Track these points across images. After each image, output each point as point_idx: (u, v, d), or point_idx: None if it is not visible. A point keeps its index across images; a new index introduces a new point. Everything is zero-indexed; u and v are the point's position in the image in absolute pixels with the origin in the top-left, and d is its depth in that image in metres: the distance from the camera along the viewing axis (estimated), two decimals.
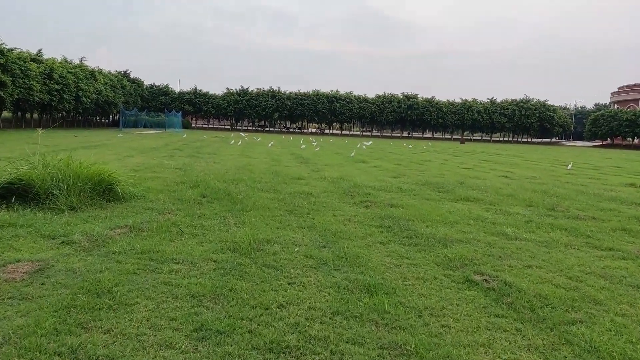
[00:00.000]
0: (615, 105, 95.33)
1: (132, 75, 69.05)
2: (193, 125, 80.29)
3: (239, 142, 30.79)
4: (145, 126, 57.24)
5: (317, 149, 28.86)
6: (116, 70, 64.47)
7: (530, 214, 8.56)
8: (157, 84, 76.92)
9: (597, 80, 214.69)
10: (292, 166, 16.37)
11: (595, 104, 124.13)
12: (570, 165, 21.30)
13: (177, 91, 77.89)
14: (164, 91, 75.99)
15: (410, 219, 7.49)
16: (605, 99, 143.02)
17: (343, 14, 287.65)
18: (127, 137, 33.13)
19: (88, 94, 45.84)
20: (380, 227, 6.87)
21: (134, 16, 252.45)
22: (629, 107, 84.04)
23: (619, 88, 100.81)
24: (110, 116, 62.63)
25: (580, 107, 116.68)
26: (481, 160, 24.47)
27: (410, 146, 41.91)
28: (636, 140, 75.30)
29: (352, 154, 24.24)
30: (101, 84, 49.95)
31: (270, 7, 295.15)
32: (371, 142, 42.56)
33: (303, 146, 32.19)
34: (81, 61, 50.01)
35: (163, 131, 51.15)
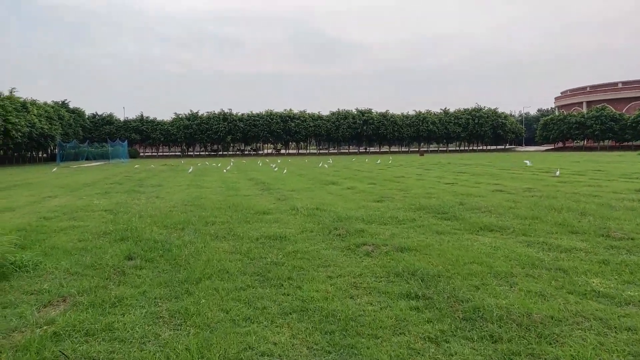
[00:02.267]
0: (560, 109, 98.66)
1: (71, 105, 64.13)
2: (141, 154, 75.74)
3: (191, 168, 27.73)
4: (87, 158, 52.65)
5: (277, 169, 26.28)
6: (53, 101, 59.56)
7: (588, 246, 6.35)
8: (99, 112, 72.11)
9: (535, 87, 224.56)
10: (252, 195, 13.70)
11: (539, 110, 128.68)
12: (558, 172, 19.82)
13: (122, 119, 73.32)
14: (108, 120, 71.22)
15: (441, 274, 5.05)
16: (546, 105, 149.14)
17: (288, 36, 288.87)
18: (61, 173, 29.29)
19: (19, 127, 41.17)
20: (408, 298, 4.38)
21: (78, 47, 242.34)
22: (573, 110, 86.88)
23: (562, 93, 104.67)
24: (49, 150, 57.47)
25: (525, 113, 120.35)
26: (456, 173, 22.66)
27: (378, 161, 40.07)
28: (584, 142, 77.47)
29: (320, 164, 21.81)
30: (34, 115, 45.26)
31: (216, 33, 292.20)
32: (331, 161, 40.47)
33: (260, 163, 29.51)
34: (11, 92, 45.29)
35: (107, 162, 46.96)
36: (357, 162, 39.33)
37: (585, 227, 7.57)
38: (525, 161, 26.25)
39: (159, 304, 4.21)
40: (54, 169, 33.98)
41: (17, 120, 40.74)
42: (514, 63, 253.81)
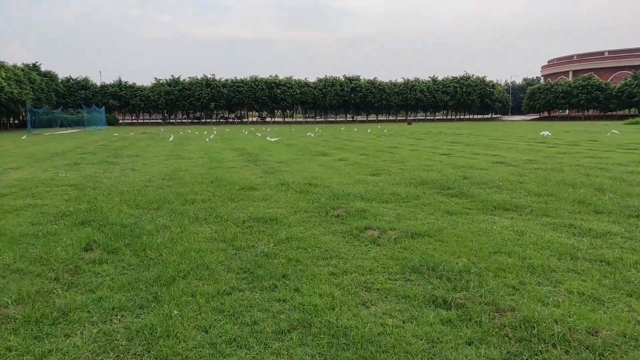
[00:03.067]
0: (546, 78, 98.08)
1: (43, 68, 61.06)
2: (121, 121, 73.24)
3: (172, 137, 26.31)
4: (62, 125, 50.42)
5: (269, 138, 25.12)
6: (23, 64, 56.50)
7: (622, 229, 5.54)
8: (74, 76, 68.95)
9: (521, 56, 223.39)
10: (237, 167, 12.66)
11: (524, 79, 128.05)
12: (546, 132, 19.10)
13: (98, 84, 70.31)
14: (83, 85, 68.12)
15: (468, 270, 4.18)
16: (532, 74, 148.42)
17: (277, 2, 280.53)
18: (31, 140, 27.64)
19: None
20: (436, 306, 3.49)
21: (50, 6, 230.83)
22: (559, 79, 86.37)
23: (548, 61, 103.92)
24: (20, 116, 54.87)
25: (511, 82, 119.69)
26: (450, 143, 21.83)
27: (369, 131, 39.01)
28: (568, 112, 77.32)
29: (308, 134, 20.78)
30: (2, 78, 42.71)
31: None
32: (319, 130, 39.33)
33: (245, 132, 28.31)
34: None
35: (82, 130, 44.97)
36: (345, 132, 38.25)
37: (609, 206, 6.77)
38: (543, 132, 25.92)
39: (117, 318, 3.24)
40: (24, 137, 32.18)
41: None
42: (500, 31, 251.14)
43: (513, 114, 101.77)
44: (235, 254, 4.75)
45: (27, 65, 57.16)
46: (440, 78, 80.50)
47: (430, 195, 7.97)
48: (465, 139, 24.45)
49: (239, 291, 3.78)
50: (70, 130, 44.03)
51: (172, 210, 6.85)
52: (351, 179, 10.19)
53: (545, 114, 79.10)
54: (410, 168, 11.94)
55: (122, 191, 8.52)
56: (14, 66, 50.39)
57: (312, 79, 78.02)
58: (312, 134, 31.12)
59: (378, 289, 3.82)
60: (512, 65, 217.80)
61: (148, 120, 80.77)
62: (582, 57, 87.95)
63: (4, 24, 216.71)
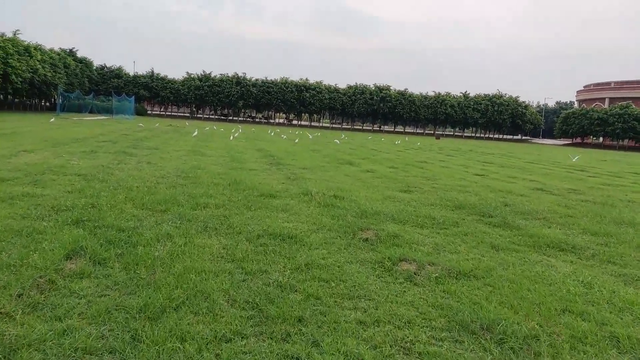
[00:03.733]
0: (581, 103, 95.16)
1: (79, 55, 61.93)
2: (149, 112, 73.81)
3: (199, 131, 25.81)
4: (91, 111, 50.79)
5: (287, 138, 24.42)
6: (60, 48, 57.36)
7: None
8: (108, 65, 69.83)
9: (553, 80, 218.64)
10: (259, 170, 11.91)
11: (557, 102, 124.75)
12: (575, 158, 17.84)
13: (131, 74, 71.01)
14: (117, 73, 68.86)
15: (536, 336, 3.26)
16: (564, 98, 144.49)
17: (311, 5, 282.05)
18: (57, 124, 27.55)
19: (19, 72, 39.18)
20: None
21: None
22: (595, 105, 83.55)
23: (584, 87, 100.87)
24: (52, 99, 55.59)
25: (543, 104, 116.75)
26: (482, 163, 20.71)
27: (397, 142, 38.03)
28: (602, 140, 74.61)
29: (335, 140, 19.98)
30: (38, 61, 43.21)
31: None
32: (345, 137, 38.52)
33: (272, 133, 27.67)
34: (15, 34, 43.16)
35: (110, 117, 45.16)
36: (372, 141, 37.33)
37: None
38: (574, 159, 25.10)
39: None
40: (52, 119, 32.24)
41: (18, 65, 38.71)
42: (535, 52, 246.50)
43: (544, 137, 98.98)
44: (244, 281, 3.94)
45: (63, 50, 58.03)
46: (471, 94, 78.80)
47: (470, 223, 7.04)
48: (497, 160, 23.27)
49: (242, 337, 2.96)
50: (98, 117, 44.25)
51: (180, 215, 6.09)
52: (380, 194, 9.32)
53: (578, 139, 76.51)
54: (444, 187, 10.99)
55: (130, 187, 7.83)
56: (51, 50, 51.12)
57: (341, 85, 77.45)
58: (337, 141, 30.31)
59: (420, 353, 2.95)
60: (543, 88, 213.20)
61: (176, 113, 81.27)
62: (620, 85, 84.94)
63: (51, 9, 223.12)
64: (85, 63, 61.58)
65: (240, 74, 73.96)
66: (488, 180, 13.41)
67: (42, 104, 56.00)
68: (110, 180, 8.44)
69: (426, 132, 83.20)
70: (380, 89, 74.84)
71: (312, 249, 5.09)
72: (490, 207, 8.46)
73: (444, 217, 7.26)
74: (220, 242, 5.08)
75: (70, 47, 60.55)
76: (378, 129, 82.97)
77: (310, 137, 29.10)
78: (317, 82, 74.98)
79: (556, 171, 18.39)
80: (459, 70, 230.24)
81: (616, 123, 65.45)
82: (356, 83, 76.21)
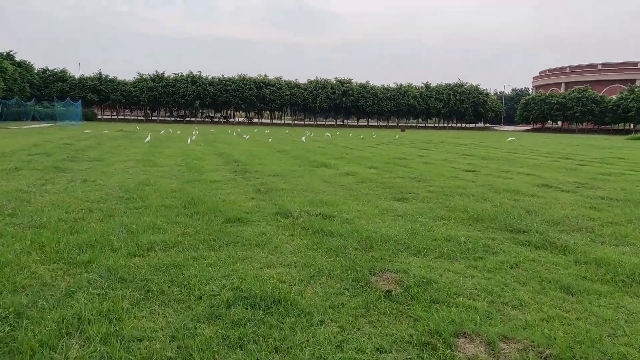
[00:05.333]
0: (537, 89, 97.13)
1: (18, 58, 57.15)
2: (99, 117, 69.45)
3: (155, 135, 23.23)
4: (34, 118, 46.73)
5: (247, 137, 22.36)
6: None
7: None
8: (50, 67, 64.99)
9: (508, 67, 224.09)
10: (221, 181, 9.95)
11: (513, 89, 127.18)
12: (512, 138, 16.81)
13: (77, 77, 66.43)
14: (60, 77, 64.06)
15: None
16: (520, 85, 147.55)
17: (265, 2, 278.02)
18: None
19: None
20: None
21: None
22: (551, 90, 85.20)
23: (540, 72, 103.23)
24: None
25: (500, 92, 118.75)
26: (463, 156, 19.39)
27: (362, 137, 36.48)
28: (560, 124, 76.05)
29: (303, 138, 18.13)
30: None
31: None
32: (311, 134, 36.76)
33: (234, 133, 25.54)
34: None
35: (53, 124, 41.47)
36: (340, 137, 35.65)
37: None
38: (510, 139, 24.66)
39: None
40: None
41: None
42: (489, 42, 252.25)
43: (505, 124, 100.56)
44: None
45: (0, 54, 53.29)
46: (433, 84, 78.56)
47: (505, 246, 5.38)
48: (475, 151, 22.04)
49: None
50: (40, 125, 40.52)
51: (109, 271, 4.12)
52: (373, 206, 7.58)
53: (539, 124, 77.73)
54: (441, 190, 9.38)
55: (46, 222, 5.74)
56: None
57: (302, 80, 75.40)
58: (304, 139, 28.44)
59: None
60: (498, 76, 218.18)
61: (129, 117, 77.03)
62: (575, 69, 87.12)
63: None
64: (25, 67, 56.80)
65: (195, 73, 70.72)
66: (482, 177, 11.93)
67: None
68: (21, 212, 6.30)
69: (390, 124, 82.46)
70: (342, 83, 73.38)
71: (314, 324, 3.26)
72: (512, 216, 6.87)
73: (468, 239, 5.58)
74: (167, 324, 3.18)
75: (8, 50, 55.75)
76: (341, 123, 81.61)
77: (270, 140, 27.13)
78: (276, 78, 72.73)
79: (543, 161, 17.24)
80: (416, 61, 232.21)
81: (575, 107, 66.64)
82: (317, 77, 74.51)
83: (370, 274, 4.31)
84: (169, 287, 3.88)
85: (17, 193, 7.70)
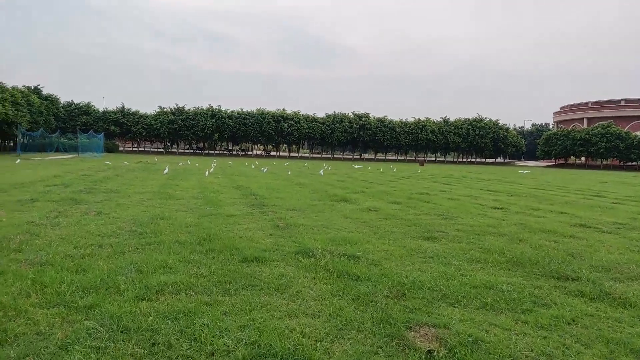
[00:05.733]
0: (558, 125, 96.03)
1: (45, 92, 58.95)
2: (120, 149, 70.64)
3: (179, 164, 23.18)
4: (57, 150, 47.66)
5: (265, 170, 22.08)
6: (24, 86, 54.42)
7: None
8: (76, 101, 66.81)
9: (527, 102, 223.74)
10: (238, 215, 9.54)
11: (533, 124, 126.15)
12: (526, 171, 16.03)
13: (100, 110, 68.08)
14: (85, 110, 65.80)
15: None
16: (539, 120, 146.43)
17: (284, 38, 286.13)
18: (11, 166, 24.69)
19: None
20: None
21: (63, 35, 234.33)
22: (573, 126, 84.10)
23: (561, 108, 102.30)
24: (17, 139, 52.22)
25: (519, 127, 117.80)
26: (488, 192, 18.70)
27: (381, 170, 36.01)
28: (584, 160, 74.54)
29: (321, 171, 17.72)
30: None
31: (210, 29, 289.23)
32: (328, 167, 36.48)
33: (252, 166, 25.35)
34: None
35: (75, 156, 42.13)
36: (359, 171, 35.26)
37: None
38: (521, 171, 24.13)
39: None
40: (18, 161, 29.34)
41: None
42: (507, 76, 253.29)
43: (525, 159, 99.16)
44: None
45: (27, 88, 55.07)
46: (452, 119, 78.30)
47: (553, 294, 4.79)
48: (499, 187, 21.32)
49: None
50: (63, 156, 41.18)
51: (112, 318, 3.68)
52: (400, 246, 7.05)
53: (561, 160, 76.32)
54: (471, 229, 8.80)
55: (52, 259, 5.36)
56: (13, 88, 48.15)
57: (319, 114, 75.98)
58: (321, 172, 28.10)
59: None
60: (516, 110, 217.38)
61: (149, 149, 78.26)
62: (598, 105, 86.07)
63: (22, 47, 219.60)
64: (51, 100, 58.52)
65: (215, 106, 71.88)
66: (512, 215, 11.29)
67: (5, 144, 52.51)
68: (28, 247, 5.95)
69: (408, 158, 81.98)
70: (359, 117, 73.65)
71: None
72: (556, 260, 6.26)
73: (511, 286, 5.00)
74: None
75: (35, 85, 57.63)
76: (359, 157, 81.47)
77: (289, 172, 26.85)
78: (294, 112, 73.40)
79: (574, 198, 16.47)
80: (434, 95, 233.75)
81: (599, 142, 65.35)
82: (334, 112, 75.00)
83: (405, 328, 3.77)
84: (177, 339, 3.41)
85: (27, 226, 7.40)
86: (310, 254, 6.18)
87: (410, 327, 3.81)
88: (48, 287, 4.39)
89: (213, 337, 3.47)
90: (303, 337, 3.54)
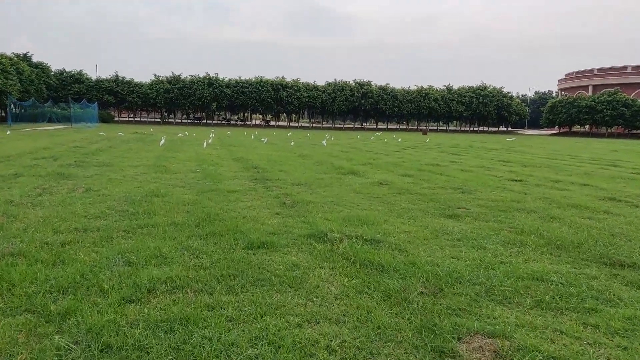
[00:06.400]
0: (563, 92, 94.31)
1: (35, 59, 57.15)
2: (116, 119, 69.22)
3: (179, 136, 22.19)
4: (50, 120, 46.39)
5: (265, 140, 21.22)
6: (13, 53, 52.60)
7: None
8: (67, 69, 64.90)
9: (530, 69, 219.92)
10: (240, 191, 8.78)
11: (536, 92, 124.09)
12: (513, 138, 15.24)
13: (93, 79, 66.27)
14: (77, 78, 63.82)
15: None
16: (543, 88, 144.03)
17: (282, 6, 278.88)
18: (2, 137, 23.74)
19: None
20: None
21: (54, 3, 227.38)
22: (578, 93, 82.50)
23: (566, 75, 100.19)
24: (8, 109, 50.82)
25: (522, 95, 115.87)
26: (500, 162, 17.92)
27: (385, 140, 35.09)
28: (589, 128, 73.41)
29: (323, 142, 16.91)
30: None
31: None
32: (331, 137, 35.52)
33: (252, 136, 24.46)
34: None
35: (69, 126, 40.98)
36: (361, 140, 34.33)
37: None
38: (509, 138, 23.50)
39: None
40: (8, 132, 28.31)
41: None
42: (510, 44, 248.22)
43: (529, 127, 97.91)
44: None
45: (17, 55, 53.21)
46: (455, 87, 76.63)
47: (614, 287, 4.09)
48: (510, 157, 20.50)
49: None
50: (55, 127, 40.04)
51: (90, 331, 2.95)
52: (422, 225, 6.32)
53: (566, 128, 75.18)
54: (494, 205, 8.07)
55: (27, 248, 4.60)
56: (1, 55, 46.41)
57: (320, 82, 74.20)
58: (324, 142, 27.19)
59: None
60: (520, 78, 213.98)
61: (145, 119, 76.79)
62: (604, 72, 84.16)
63: (14, 18, 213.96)
64: (42, 68, 56.65)
65: (212, 75, 70.04)
66: (533, 188, 10.54)
67: None
68: (1, 232, 5.18)
69: (409, 127, 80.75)
70: (361, 85, 71.94)
71: None
72: (602, 243, 5.54)
73: (562, 277, 4.29)
74: None
75: (25, 52, 55.73)
76: (360, 126, 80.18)
77: (292, 143, 25.96)
78: (294, 80, 71.63)
79: (590, 168, 15.68)
80: (435, 63, 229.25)
81: (605, 110, 64.09)
82: (335, 80, 73.14)
83: (454, 338, 3.05)
84: None
85: (4, 206, 6.61)
86: (325, 237, 5.44)
87: (460, 337, 3.09)
88: (17, 287, 3.65)
89: (220, 356, 2.74)
90: (330, 354, 2.82)
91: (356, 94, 70.71)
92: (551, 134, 72.63)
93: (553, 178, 12.53)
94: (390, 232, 5.91)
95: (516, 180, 11.81)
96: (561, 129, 75.58)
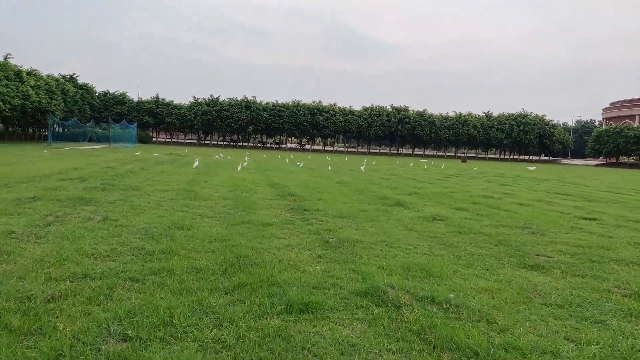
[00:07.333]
0: (608, 121, 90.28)
1: (80, 81, 58.90)
2: (154, 140, 70.27)
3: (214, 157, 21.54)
4: (90, 140, 47.24)
5: (301, 164, 20.15)
6: (60, 74, 54.36)
7: None
8: (111, 90, 66.69)
9: (568, 99, 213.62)
10: (276, 224, 7.64)
11: (577, 121, 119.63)
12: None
13: (135, 100, 67.75)
14: (120, 99, 65.45)
15: None
16: (584, 117, 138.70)
17: (319, 31, 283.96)
18: (36, 155, 23.69)
19: (9, 98, 35.66)
20: None
21: (105, 27, 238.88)
22: (624, 123, 78.56)
23: (611, 104, 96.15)
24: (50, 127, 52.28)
25: (563, 124, 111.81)
26: (557, 196, 16.20)
27: (425, 167, 33.58)
28: (634, 159, 69.41)
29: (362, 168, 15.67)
30: (30, 87, 39.85)
31: (245, 23, 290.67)
32: (372, 162, 34.28)
33: (287, 160, 23.49)
34: (6, 59, 39.90)
35: (107, 146, 41.41)
36: (400, 166, 32.93)
37: None
38: (529, 167, 21.42)
39: None
40: (45, 151, 28.55)
41: (5, 90, 35.14)
42: (542, 73, 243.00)
43: (572, 157, 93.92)
44: None
45: (63, 76, 54.98)
46: (495, 114, 74.36)
47: None
48: (567, 190, 18.69)
49: None
50: (93, 146, 40.50)
51: None
52: (501, 280, 5.03)
53: (612, 159, 71.38)
54: (581, 252, 6.64)
55: (2, 306, 3.55)
56: (48, 76, 47.93)
57: (356, 107, 73.51)
58: (362, 168, 25.97)
59: None
60: (560, 106, 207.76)
61: (182, 140, 77.80)
62: None
63: (66, 41, 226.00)
64: (86, 89, 58.34)
65: (249, 98, 70.50)
66: (615, 229, 8.97)
67: (39, 133, 52.61)
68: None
69: (447, 154, 78.62)
70: (398, 110, 70.74)
71: None
72: None
73: None
74: None
75: (71, 73, 57.57)
76: (396, 152, 78.69)
77: (329, 168, 24.88)
78: (330, 105, 71.19)
79: None
80: (475, 90, 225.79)
81: None
82: (372, 104, 72.27)
83: None
84: None
85: (4, 239, 5.67)
86: (384, 296, 4.21)
87: None
88: None
89: None
90: None
91: (393, 119, 69.49)
92: (597, 164, 69.01)
93: (631, 217, 10.86)
94: (466, 290, 4.61)
95: (590, 219, 10.24)
96: (607, 159, 71.81)
